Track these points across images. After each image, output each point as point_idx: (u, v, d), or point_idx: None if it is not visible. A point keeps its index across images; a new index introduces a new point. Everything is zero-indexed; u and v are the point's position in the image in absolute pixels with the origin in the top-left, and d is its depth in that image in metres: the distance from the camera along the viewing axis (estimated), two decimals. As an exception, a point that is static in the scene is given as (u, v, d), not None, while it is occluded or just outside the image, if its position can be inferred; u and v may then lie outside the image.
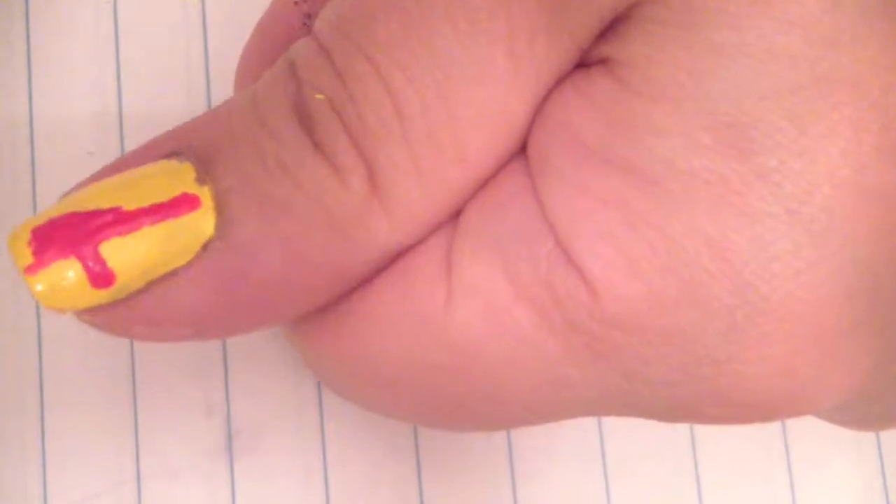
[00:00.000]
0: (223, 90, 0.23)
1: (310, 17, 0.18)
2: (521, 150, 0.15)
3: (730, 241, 0.13)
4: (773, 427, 0.25)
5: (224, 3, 0.23)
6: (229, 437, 0.22)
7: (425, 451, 0.23)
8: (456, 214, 0.15)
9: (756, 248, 0.13)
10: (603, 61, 0.14)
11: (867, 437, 0.25)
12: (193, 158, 0.15)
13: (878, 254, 0.13)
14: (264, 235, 0.14)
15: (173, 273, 0.14)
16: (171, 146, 0.15)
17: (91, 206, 0.14)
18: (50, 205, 0.15)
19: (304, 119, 0.14)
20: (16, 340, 0.22)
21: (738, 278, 0.13)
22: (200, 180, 0.14)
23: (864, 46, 0.13)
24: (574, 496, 0.23)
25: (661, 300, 0.13)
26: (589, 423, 0.24)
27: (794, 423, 0.25)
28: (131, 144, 0.22)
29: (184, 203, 0.14)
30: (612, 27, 0.14)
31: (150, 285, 0.14)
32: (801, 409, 0.15)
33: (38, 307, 0.22)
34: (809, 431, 0.25)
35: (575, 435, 0.24)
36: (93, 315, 0.15)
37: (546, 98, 0.14)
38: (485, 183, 0.15)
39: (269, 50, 0.18)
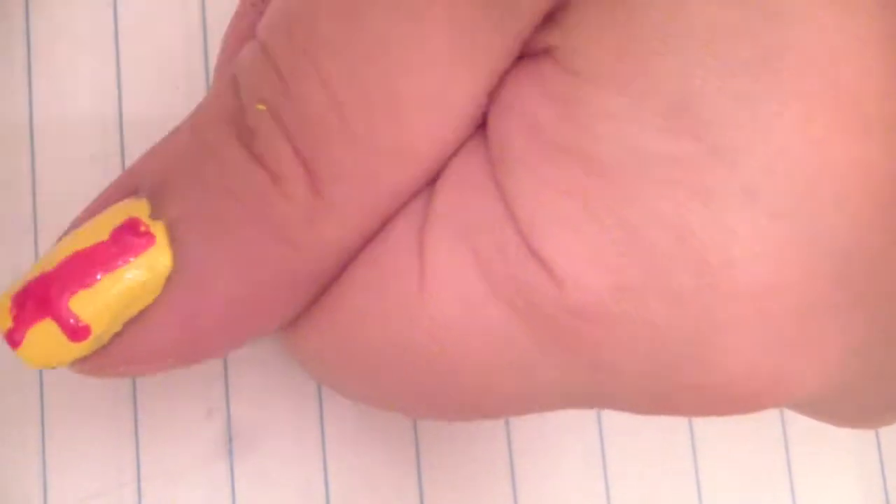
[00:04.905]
0: (223, 91, 0.23)
1: None
2: (484, 138, 0.14)
3: (688, 224, 0.13)
4: (773, 428, 0.25)
5: (224, 4, 0.23)
6: (229, 439, 0.22)
7: (425, 451, 0.23)
8: (414, 200, 0.15)
9: (715, 230, 0.13)
10: (548, 51, 0.13)
11: (867, 437, 0.25)
12: (148, 194, 0.15)
13: (844, 231, 0.13)
14: (213, 258, 0.14)
15: (143, 313, 0.15)
16: (130, 184, 0.15)
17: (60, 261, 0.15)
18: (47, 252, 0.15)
19: (244, 132, 0.14)
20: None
21: (700, 261, 0.13)
22: (154, 215, 0.14)
23: (808, 13, 0.12)
24: (574, 497, 0.23)
25: (625, 289, 0.13)
26: (589, 424, 0.24)
27: (794, 424, 0.25)
28: (132, 147, 0.22)
29: (140, 242, 0.14)
30: (551, 17, 0.13)
31: (125, 328, 0.15)
32: (778, 396, 0.14)
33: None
34: (809, 432, 0.25)
35: (575, 436, 0.24)
36: (80, 365, 0.15)
37: (501, 88, 0.14)
38: (451, 171, 0.15)
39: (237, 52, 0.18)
